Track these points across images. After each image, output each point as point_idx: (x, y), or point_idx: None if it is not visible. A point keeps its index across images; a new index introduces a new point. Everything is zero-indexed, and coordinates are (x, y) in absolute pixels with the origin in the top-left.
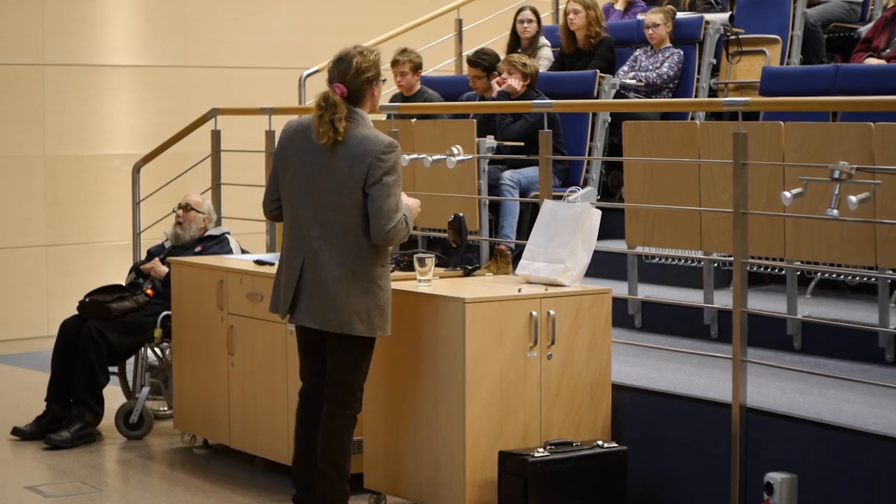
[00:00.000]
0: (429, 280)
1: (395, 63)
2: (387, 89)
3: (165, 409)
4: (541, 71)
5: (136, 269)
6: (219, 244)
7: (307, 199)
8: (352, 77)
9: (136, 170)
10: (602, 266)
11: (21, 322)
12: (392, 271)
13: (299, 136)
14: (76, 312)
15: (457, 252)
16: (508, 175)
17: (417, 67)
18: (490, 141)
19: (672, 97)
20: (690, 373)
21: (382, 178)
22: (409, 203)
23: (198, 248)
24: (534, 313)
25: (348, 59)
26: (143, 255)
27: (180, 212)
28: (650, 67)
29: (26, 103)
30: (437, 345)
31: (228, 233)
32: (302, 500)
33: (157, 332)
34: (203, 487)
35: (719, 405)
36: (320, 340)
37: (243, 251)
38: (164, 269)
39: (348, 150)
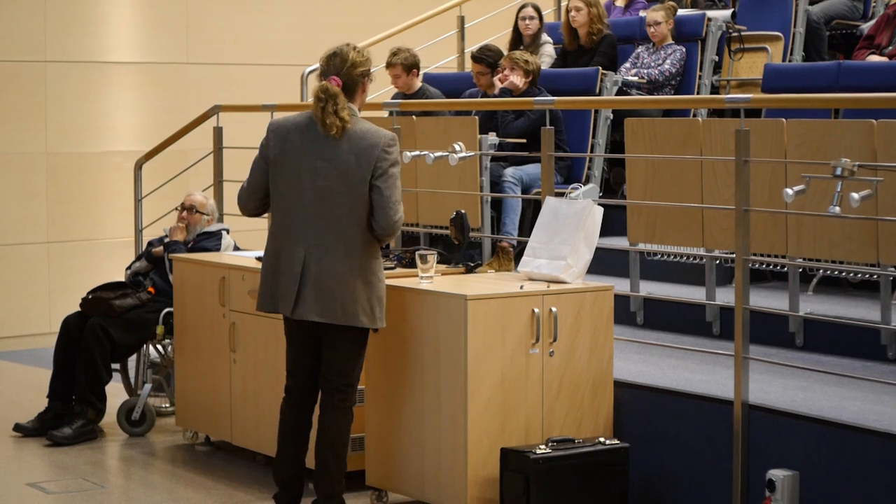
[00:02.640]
0: (431, 277)
1: (387, 65)
2: (387, 87)
3: (167, 405)
4: (543, 68)
5: (147, 255)
6: (208, 239)
7: (310, 195)
8: (347, 69)
9: (138, 167)
10: (604, 263)
11: (23, 319)
12: (394, 268)
13: (298, 133)
14: (78, 309)
15: (459, 249)
16: (510, 172)
17: (411, 67)
18: (492, 138)
19: (674, 94)
20: (692, 370)
21: (389, 169)
22: None
23: (190, 244)
24: (536, 310)
25: (343, 54)
26: (145, 248)
27: (184, 214)
28: (652, 64)
29: (28, 100)
30: (438, 342)
31: (227, 230)
32: (285, 497)
33: (160, 329)
34: (205, 484)
35: (721, 402)
36: (316, 335)
37: (237, 248)
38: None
39: (352, 144)
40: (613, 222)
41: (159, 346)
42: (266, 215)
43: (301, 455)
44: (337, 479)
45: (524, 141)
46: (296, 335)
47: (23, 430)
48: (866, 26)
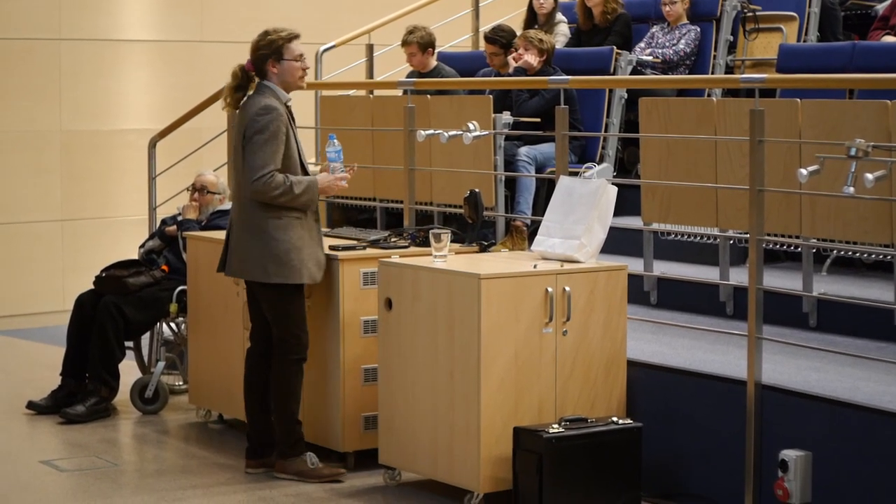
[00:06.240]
0: (444, 256)
1: (403, 43)
2: (402, 65)
3: (180, 383)
4: (557, 47)
5: (160, 234)
6: (222, 217)
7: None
8: (252, 53)
9: (152, 145)
10: (618, 242)
11: (36, 296)
12: (407, 246)
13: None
14: (91, 287)
15: (472, 228)
16: (525, 151)
17: (427, 46)
18: (506, 117)
19: (689, 74)
20: (706, 350)
21: (253, 136)
22: (324, 177)
23: (204, 222)
24: (549, 289)
25: (254, 41)
26: (158, 227)
27: (196, 195)
28: (667, 44)
29: (42, 78)
30: (452, 320)
31: None
32: (254, 451)
33: (173, 307)
34: (217, 462)
35: (734, 382)
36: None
37: None
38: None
39: (239, 117)
40: (627, 202)
41: (172, 324)
42: None
43: (263, 413)
44: (287, 429)
45: (538, 120)
46: (247, 294)
47: (36, 408)
48: (881, 7)
